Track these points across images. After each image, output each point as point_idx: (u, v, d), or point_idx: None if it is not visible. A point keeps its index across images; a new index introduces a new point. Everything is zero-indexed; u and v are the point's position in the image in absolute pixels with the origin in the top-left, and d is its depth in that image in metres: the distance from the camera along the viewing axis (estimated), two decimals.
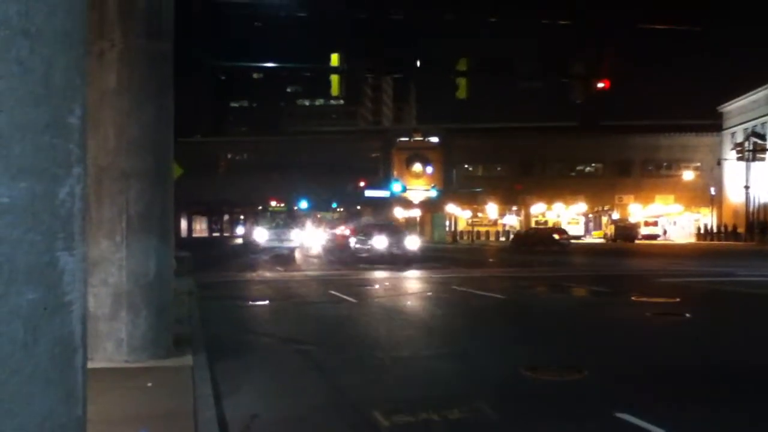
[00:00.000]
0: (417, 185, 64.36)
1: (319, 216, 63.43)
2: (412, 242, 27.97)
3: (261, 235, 33.70)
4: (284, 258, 29.75)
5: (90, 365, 6.60)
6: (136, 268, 6.97)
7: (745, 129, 57.71)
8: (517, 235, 50.37)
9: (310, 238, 39.36)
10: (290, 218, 37.72)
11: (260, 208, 38.18)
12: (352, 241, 29.62)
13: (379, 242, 26.82)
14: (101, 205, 7.02)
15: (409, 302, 14.37)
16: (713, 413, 5.58)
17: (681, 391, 6.31)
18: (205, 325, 9.66)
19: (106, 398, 5.48)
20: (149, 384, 5.93)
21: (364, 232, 29.12)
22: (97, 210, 7.03)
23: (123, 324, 6.90)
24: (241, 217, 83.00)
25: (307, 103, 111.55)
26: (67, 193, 1.51)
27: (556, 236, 42.37)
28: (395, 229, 31.15)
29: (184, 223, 67.88)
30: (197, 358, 6.95)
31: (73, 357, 1.59)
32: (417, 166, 65.74)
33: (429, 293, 15.60)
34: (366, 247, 27.45)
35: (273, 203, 41.01)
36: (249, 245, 35.59)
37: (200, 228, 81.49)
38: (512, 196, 63.06)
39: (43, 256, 1.45)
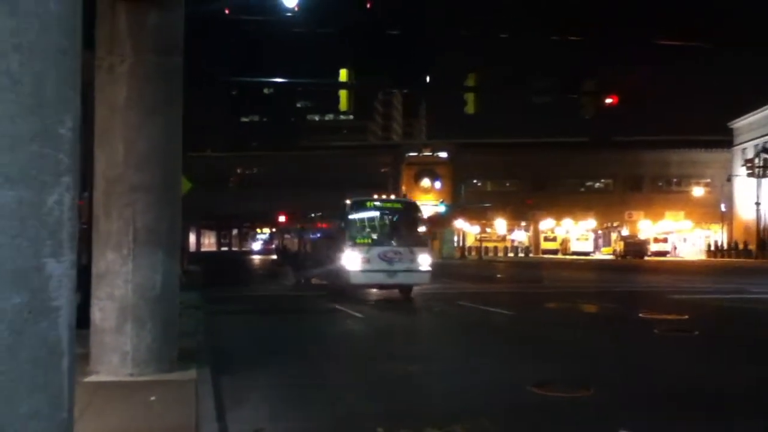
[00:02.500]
0: (426, 200, 64.40)
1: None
2: None
3: (354, 260, 16.87)
4: None
5: (95, 378, 6.61)
6: (142, 281, 6.99)
7: (756, 145, 57.44)
8: None
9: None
10: (407, 224, 18.48)
11: (348, 202, 18.25)
12: None
13: None
14: (109, 218, 7.06)
15: None
16: None
17: (686, 411, 6.24)
18: (211, 339, 9.66)
19: (110, 412, 5.48)
20: (153, 398, 5.92)
21: None
22: (104, 223, 7.08)
23: (128, 337, 6.90)
24: (260, 230, 79.57)
25: (317, 118, 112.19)
26: (55, 201, 1.53)
27: None
28: None
29: (192, 237, 67.96)
30: (201, 372, 6.94)
31: (60, 361, 1.61)
32: (426, 181, 65.82)
33: None
34: None
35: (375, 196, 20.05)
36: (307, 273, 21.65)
37: (209, 242, 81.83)
38: (521, 211, 62.96)
39: (30, 262, 1.48)
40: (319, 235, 21.43)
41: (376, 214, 18.87)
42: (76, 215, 1.63)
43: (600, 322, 13.82)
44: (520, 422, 5.78)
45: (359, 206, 18.41)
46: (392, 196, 17.66)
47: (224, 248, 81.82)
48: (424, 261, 17.36)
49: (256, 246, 77.43)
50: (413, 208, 19.78)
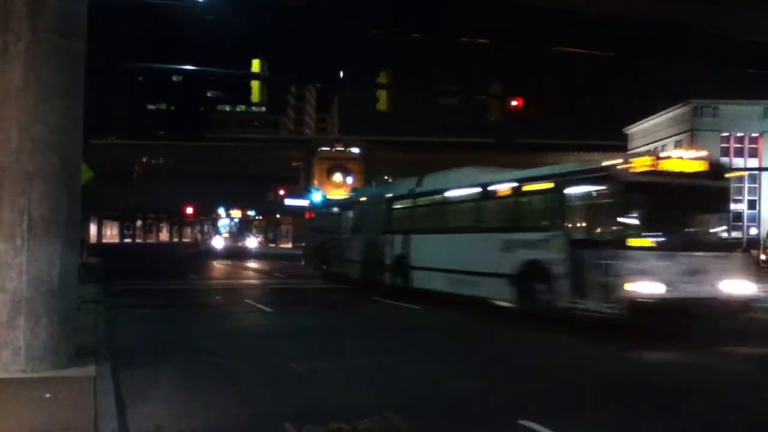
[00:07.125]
0: (337, 195, 64.59)
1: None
2: None
3: None
4: None
5: None
6: (37, 273, 6.66)
7: (648, 150, 61.32)
8: None
9: None
10: None
11: None
12: None
13: None
14: (1, 206, 6.67)
15: None
16: (605, 421, 5.89)
17: (581, 401, 6.62)
18: (112, 334, 9.31)
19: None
20: (47, 395, 5.65)
21: None
22: None
23: (21, 332, 6.56)
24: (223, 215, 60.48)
25: (228, 108, 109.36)
26: None
27: None
28: None
29: (93, 228, 64.81)
30: (100, 368, 6.69)
31: None
32: (338, 176, 66.10)
33: None
34: None
35: None
36: None
37: (111, 233, 78.34)
38: None
39: None
40: None
41: None
42: None
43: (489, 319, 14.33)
44: (423, 413, 5.93)
45: None
46: None
47: (127, 240, 78.06)
48: None
49: (218, 242, 50.24)
50: None
